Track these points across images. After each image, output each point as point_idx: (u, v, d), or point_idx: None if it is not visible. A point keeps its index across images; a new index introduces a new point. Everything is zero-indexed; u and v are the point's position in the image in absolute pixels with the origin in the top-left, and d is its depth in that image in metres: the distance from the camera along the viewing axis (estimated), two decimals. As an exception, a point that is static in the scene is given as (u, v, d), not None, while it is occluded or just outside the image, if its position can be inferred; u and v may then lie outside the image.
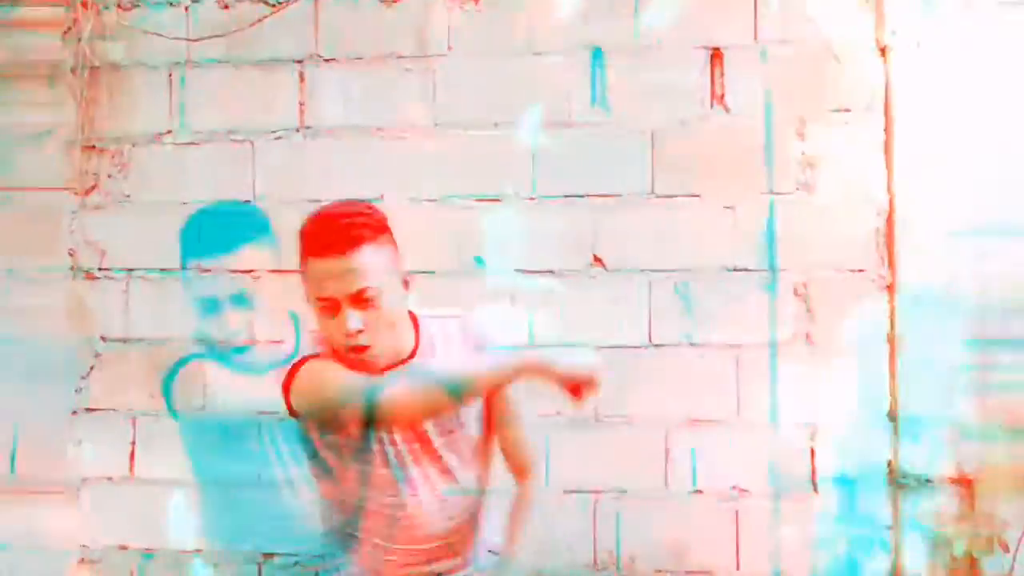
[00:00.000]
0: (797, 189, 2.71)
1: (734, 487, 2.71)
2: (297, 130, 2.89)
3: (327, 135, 2.87)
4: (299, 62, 2.89)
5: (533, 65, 2.80)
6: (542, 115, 2.79)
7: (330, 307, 1.54)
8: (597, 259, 2.76)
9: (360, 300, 1.53)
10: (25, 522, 2.94)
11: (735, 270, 2.72)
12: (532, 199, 2.76)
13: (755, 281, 2.72)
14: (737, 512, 2.70)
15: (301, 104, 2.89)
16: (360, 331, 1.53)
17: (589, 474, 2.73)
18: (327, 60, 2.88)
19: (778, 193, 2.72)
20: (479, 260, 2.76)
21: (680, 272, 2.74)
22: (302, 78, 2.89)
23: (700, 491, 2.72)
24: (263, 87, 2.90)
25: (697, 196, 2.74)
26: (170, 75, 2.95)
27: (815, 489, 2.68)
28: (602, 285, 2.76)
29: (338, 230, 1.55)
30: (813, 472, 2.68)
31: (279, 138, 2.90)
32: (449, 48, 2.83)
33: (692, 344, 2.73)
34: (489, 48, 2.81)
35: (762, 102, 2.73)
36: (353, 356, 1.56)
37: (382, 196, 2.80)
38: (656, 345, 2.74)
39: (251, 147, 2.90)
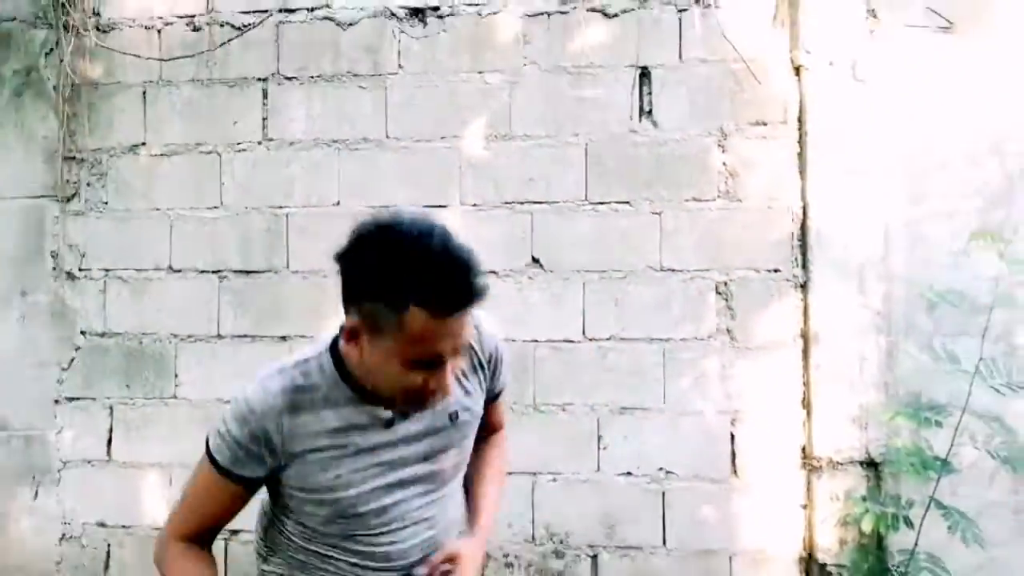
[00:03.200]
0: (719, 196, 2.84)
1: (660, 469, 2.83)
2: (260, 142, 2.99)
3: (289, 147, 2.98)
4: (263, 80, 2.99)
5: (477, 83, 2.93)
6: (484, 129, 2.91)
7: (428, 362, 1.28)
8: (535, 260, 2.88)
9: (456, 353, 1.31)
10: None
11: (662, 270, 2.85)
12: (475, 205, 2.89)
13: (682, 280, 2.85)
14: (664, 493, 2.83)
15: (264, 119, 2.99)
16: (448, 393, 1.33)
17: (528, 458, 2.84)
18: (288, 78, 2.99)
19: (701, 200, 2.85)
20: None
21: (612, 272, 2.86)
22: (265, 95, 2.99)
23: (630, 473, 2.84)
24: (229, 103, 3.00)
25: (627, 203, 2.86)
26: (144, 92, 3.05)
27: (735, 472, 2.80)
28: (540, 285, 2.88)
29: (468, 283, 1.25)
30: (733, 456, 2.80)
31: (244, 150, 3.00)
32: (400, 67, 2.95)
33: (623, 339, 2.84)
34: (436, 67, 2.94)
35: (686, 117, 2.86)
36: (418, 403, 1.35)
37: (338, 203, 2.95)
38: (590, 339, 2.85)
39: (218, 158, 3.00)
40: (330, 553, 1.47)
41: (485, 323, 1.55)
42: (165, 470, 3.00)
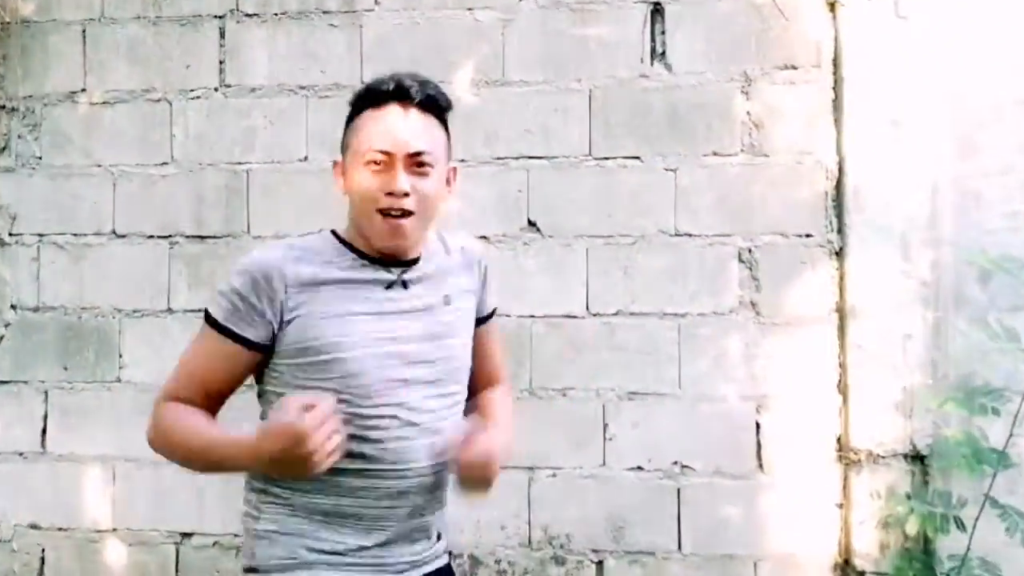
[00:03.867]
0: (742, 150, 2.66)
1: (675, 463, 2.65)
2: (216, 89, 2.85)
3: (249, 94, 2.82)
4: (219, 17, 2.85)
5: (465, 20, 2.74)
6: (473, 73, 2.73)
7: (381, 165, 1.45)
8: (531, 224, 2.72)
9: (416, 164, 1.46)
10: None
11: (677, 235, 2.66)
12: (463, 161, 2.67)
13: (699, 247, 2.66)
14: (679, 490, 2.65)
15: (221, 62, 2.85)
16: (407, 194, 1.44)
17: (524, 450, 2.61)
18: (249, 15, 2.83)
19: (721, 154, 2.66)
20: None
21: (620, 237, 2.69)
22: (222, 34, 2.85)
23: (640, 467, 2.65)
24: (181, 44, 2.86)
25: (637, 158, 2.68)
26: (83, 31, 2.90)
27: (761, 466, 2.62)
28: (538, 252, 2.70)
29: (415, 86, 1.47)
30: (758, 448, 2.63)
31: (198, 97, 2.85)
32: (376, 2, 2.77)
33: (632, 313, 2.67)
34: (418, 2, 2.76)
35: (705, 60, 2.67)
36: (389, 220, 1.46)
37: (306, 157, 2.77)
38: (595, 314, 2.68)
39: (168, 107, 2.86)
40: (333, 469, 1.40)
41: (469, 240, 1.70)
42: (108, 464, 2.85)
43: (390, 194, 1.44)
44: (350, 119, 1.51)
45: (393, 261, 1.51)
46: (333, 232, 1.54)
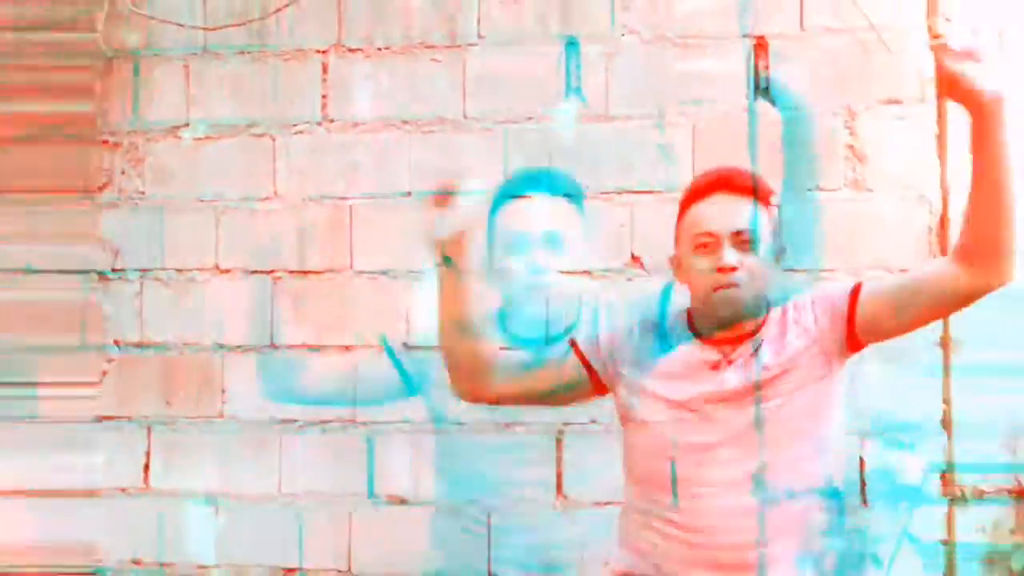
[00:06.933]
0: (845, 185, 2.64)
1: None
2: (320, 123, 2.86)
3: (352, 128, 2.84)
4: (322, 52, 2.85)
5: (569, 54, 2.74)
6: (578, 108, 2.74)
7: (708, 245, 1.60)
8: (635, 259, 2.70)
9: (739, 240, 1.60)
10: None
11: (784, 270, 2.62)
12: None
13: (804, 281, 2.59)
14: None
15: (324, 97, 2.85)
16: (734, 268, 1.58)
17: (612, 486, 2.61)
18: (352, 50, 2.84)
19: (825, 189, 2.65)
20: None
21: None
22: (325, 69, 2.86)
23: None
24: (284, 78, 2.87)
25: None
26: (186, 66, 2.91)
27: (864, 500, 2.59)
28: (640, 289, 2.68)
29: (733, 176, 1.68)
30: (863, 483, 2.59)
31: (301, 132, 2.86)
32: (479, 36, 2.78)
33: None
34: (522, 36, 2.76)
35: (808, 94, 2.66)
36: (722, 294, 1.60)
37: (409, 193, 2.77)
38: None
39: (272, 141, 2.87)
40: (644, 518, 1.65)
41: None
42: (211, 499, 2.84)
43: (722, 271, 1.59)
44: (678, 216, 1.70)
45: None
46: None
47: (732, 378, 1.60)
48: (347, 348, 2.80)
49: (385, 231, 2.79)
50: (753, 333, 1.63)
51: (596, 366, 1.70)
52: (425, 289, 2.67)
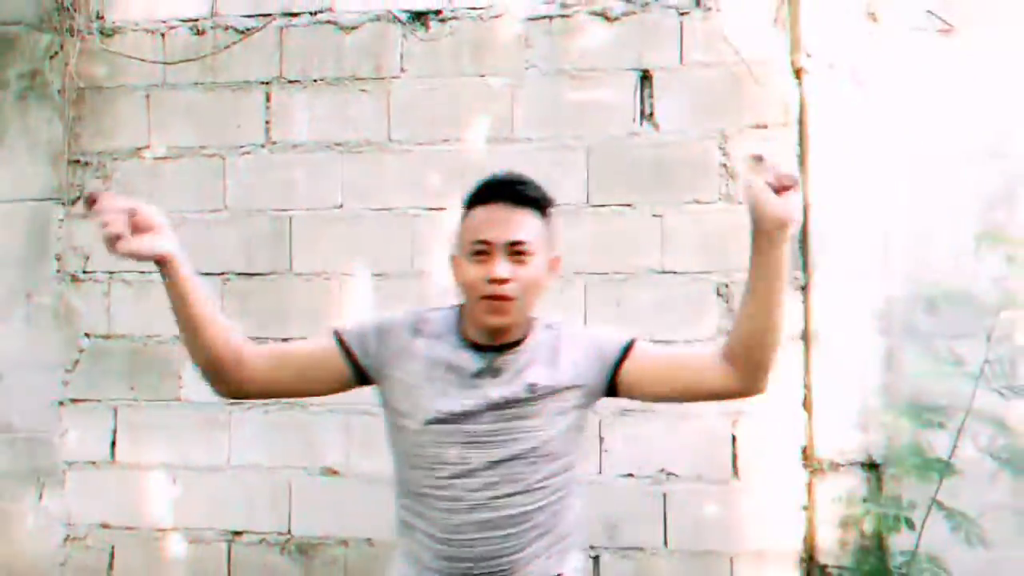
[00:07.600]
0: (720, 199, 2.86)
1: (662, 471, 2.85)
2: (263, 145, 3.03)
3: (291, 150, 3.02)
4: (266, 83, 3.04)
5: (478, 86, 2.95)
6: (486, 131, 2.94)
7: (483, 254, 1.51)
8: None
9: (514, 252, 1.51)
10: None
11: (663, 272, 2.87)
12: None
13: (683, 283, 2.86)
14: (665, 495, 2.84)
15: (267, 122, 3.03)
16: (506, 280, 1.50)
17: None
18: (291, 82, 3.03)
19: (701, 202, 2.86)
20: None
21: (614, 275, 2.88)
22: (268, 98, 3.04)
23: (631, 475, 2.85)
24: (233, 106, 3.04)
25: (628, 206, 2.89)
26: (147, 96, 3.09)
27: (736, 473, 2.81)
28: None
29: (515, 184, 1.57)
30: (734, 457, 2.81)
31: (247, 153, 3.04)
32: (402, 70, 2.99)
33: None
34: (438, 70, 2.97)
35: (687, 119, 2.87)
36: (491, 303, 1.51)
37: (341, 205, 2.98)
38: None
39: (222, 161, 3.04)
40: (410, 519, 1.58)
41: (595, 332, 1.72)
42: (169, 471, 3.04)
43: (493, 281, 1.50)
44: (462, 217, 1.58)
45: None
46: (460, 309, 1.60)
47: (495, 391, 1.52)
48: (286, 340, 2.80)
49: (320, 239, 2.97)
50: (518, 343, 1.55)
51: (361, 360, 1.56)
52: (355, 288, 2.95)
